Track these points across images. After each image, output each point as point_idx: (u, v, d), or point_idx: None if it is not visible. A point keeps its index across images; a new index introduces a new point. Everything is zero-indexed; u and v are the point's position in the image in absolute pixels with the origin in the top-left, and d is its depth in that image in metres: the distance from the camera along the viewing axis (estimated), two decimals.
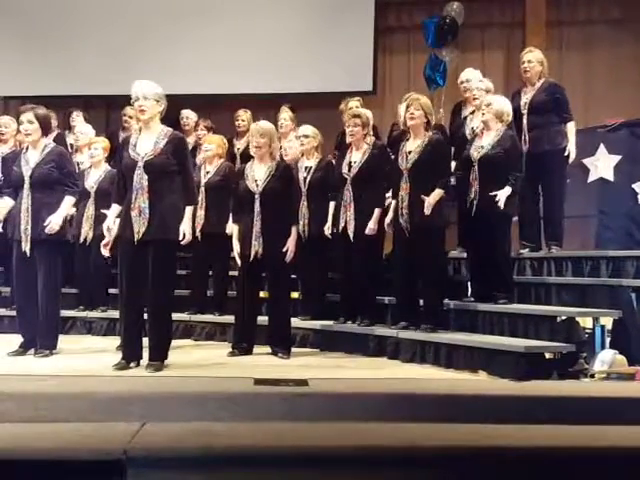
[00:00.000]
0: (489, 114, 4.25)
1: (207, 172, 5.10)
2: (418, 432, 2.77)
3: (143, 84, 3.66)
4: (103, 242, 3.91)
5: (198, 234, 5.00)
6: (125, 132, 5.57)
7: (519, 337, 3.87)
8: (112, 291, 4.93)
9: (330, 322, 4.59)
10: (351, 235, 4.34)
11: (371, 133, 4.59)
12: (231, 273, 5.00)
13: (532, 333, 3.85)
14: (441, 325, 4.11)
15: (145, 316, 3.75)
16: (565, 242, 4.80)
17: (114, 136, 5.68)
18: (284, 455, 2.52)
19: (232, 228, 4.34)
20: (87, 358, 4.13)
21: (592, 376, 3.58)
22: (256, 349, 4.29)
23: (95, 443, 2.52)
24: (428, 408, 3.00)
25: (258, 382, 3.22)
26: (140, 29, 7.27)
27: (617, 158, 5.35)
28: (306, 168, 4.81)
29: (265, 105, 6.39)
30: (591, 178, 5.45)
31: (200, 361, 4.07)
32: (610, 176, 5.38)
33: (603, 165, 5.40)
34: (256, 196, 4.12)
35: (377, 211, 4.30)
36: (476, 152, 4.25)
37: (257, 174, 4.18)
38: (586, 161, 5.43)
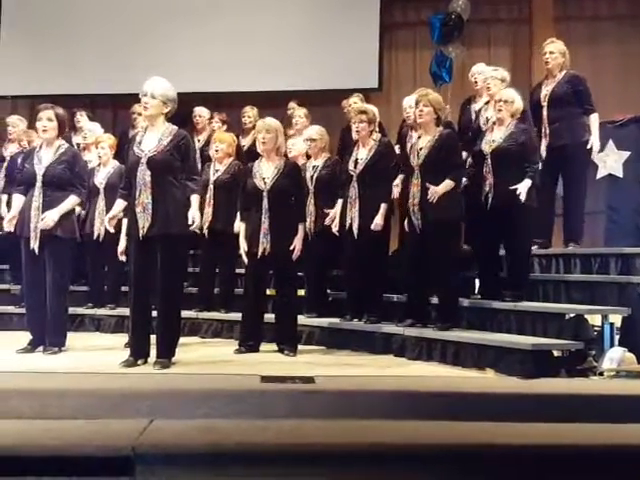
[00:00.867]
0: (507, 112, 4.20)
1: (216, 170, 5.11)
2: (424, 430, 2.76)
3: (155, 82, 3.67)
4: (119, 249, 3.93)
5: (205, 231, 5.03)
6: (134, 129, 5.58)
7: (527, 335, 3.85)
8: (124, 289, 4.96)
9: (336, 320, 4.58)
10: (355, 232, 4.33)
11: (377, 130, 4.58)
12: (238, 271, 5.01)
13: (540, 331, 3.83)
14: (456, 324, 4.08)
15: (154, 313, 3.76)
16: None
17: (125, 135, 5.70)
18: (291, 452, 2.52)
19: (239, 226, 4.34)
20: (95, 355, 4.14)
21: (601, 374, 3.56)
22: (263, 346, 4.29)
23: (103, 440, 2.54)
24: (435, 406, 2.99)
25: (265, 379, 3.22)
26: (146, 27, 7.29)
27: (626, 154, 5.32)
28: (313, 167, 4.82)
29: (270, 103, 6.39)
30: (600, 174, 5.41)
31: (207, 358, 4.08)
32: (619, 172, 5.34)
33: (612, 161, 5.36)
34: (264, 194, 4.12)
35: (383, 206, 4.29)
36: (488, 146, 4.21)
37: (265, 172, 4.18)
38: (594, 157, 5.40)
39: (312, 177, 4.77)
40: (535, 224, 4.67)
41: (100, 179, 5.23)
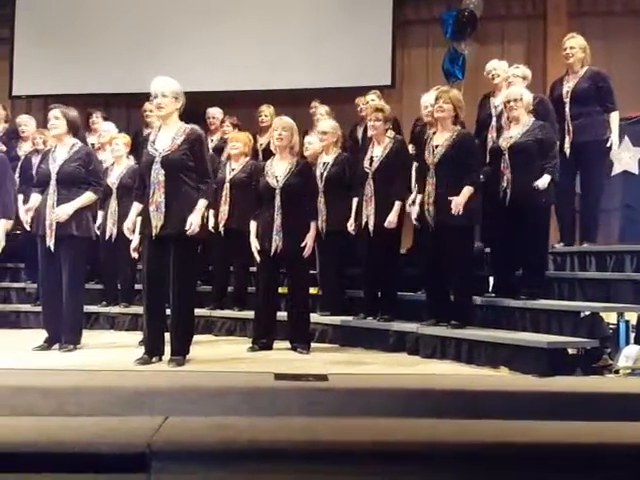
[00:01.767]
0: (521, 109, 4.17)
1: (232, 169, 5.14)
2: (438, 428, 2.76)
3: (161, 81, 3.69)
4: (132, 247, 3.97)
5: (221, 229, 5.06)
6: (148, 128, 5.62)
7: (542, 333, 3.83)
8: (138, 287, 5.00)
9: (349, 317, 4.58)
10: (371, 230, 4.33)
11: (391, 128, 4.56)
12: (251, 269, 5.02)
13: (555, 329, 3.81)
14: (470, 322, 4.06)
15: (167, 312, 3.78)
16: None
17: (138, 134, 5.73)
18: (304, 450, 2.53)
19: (252, 241, 4.29)
20: (110, 353, 4.17)
21: (616, 372, 3.53)
22: (276, 344, 4.30)
23: (119, 437, 2.56)
24: (448, 404, 2.98)
25: (278, 377, 3.23)
26: (159, 27, 7.30)
27: None
28: (323, 164, 4.82)
29: (284, 101, 6.40)
30: (615, 171, 5.36)
31: (221, 356, 4.09)
32: (634, 169, 5.29)
33: (627, 158, 5.31)
34: (276, 191, 4.13)
35: (397, 204, 4.28)
36: (505, 142, 4.19)
37: (277, 170, 4.20)
38: (611, 154, 5.34)
39: (322, 175, 4.77)
40: (558, 222, 4.65)
41: (113, 179, 5.26)
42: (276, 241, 4.11)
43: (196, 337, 3.99)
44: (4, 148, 5.79)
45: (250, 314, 4.58)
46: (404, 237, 4.63)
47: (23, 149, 5.93)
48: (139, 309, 4.44)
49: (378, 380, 3.39)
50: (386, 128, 4.44)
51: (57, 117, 4.14)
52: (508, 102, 4.24)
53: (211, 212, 4.98)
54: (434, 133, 4.18)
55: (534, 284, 4.11)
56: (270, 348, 4.24)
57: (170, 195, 3.61)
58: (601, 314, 3.73)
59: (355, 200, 4.49)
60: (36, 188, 4.28)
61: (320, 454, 2.51)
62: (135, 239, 3.97)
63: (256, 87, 6.99)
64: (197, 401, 2.93)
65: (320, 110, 5.57)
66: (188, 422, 2.78)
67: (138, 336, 4.24)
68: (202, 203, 3.67)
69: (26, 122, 6.00)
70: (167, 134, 3.70)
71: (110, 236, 5.21)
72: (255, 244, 4.22)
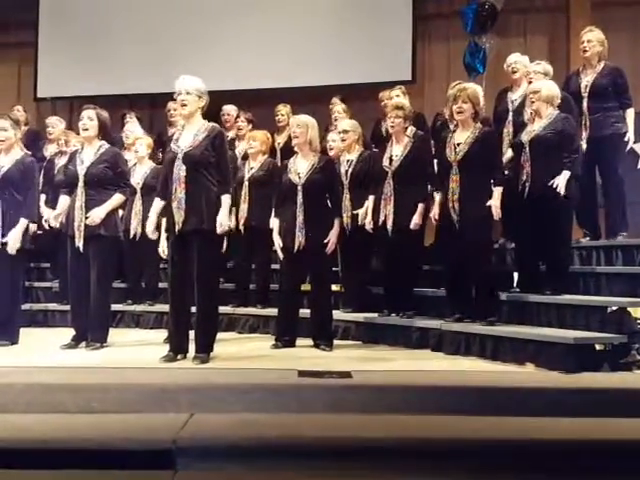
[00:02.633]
0: (539, 102, 4.14)
1: (251, 167, 5.16)
2: (463, 425, 2.74)
3: (186, 79, 3.73)
4: (160, 248, 4.00)
5: (241, 227, 5.08)
6: (172, 128, 5.67)
7: (567, 328, 3.78)
8: (162, 285, 5.05)
9: (373, 314, 4.57)
10: (389, 229, 4.31)
11: (410, 124, 4.54)
12: (273, 266, 5.04)
13: (581, 324, 3.75)
14: (498, 318, 4.02)
15: (192, 309, 3.81)
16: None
17: (162, 134, 5.79)
18: (328, 446, 2.53)
19: (273, 222, 4.36)
20: (136, 351, 4.22)
21: None
22: (299, 341, 4.30)
23: (145, 433, 2.59)
24: (473, 401, 2.96)
25: (302, 374, 3.23)
26: (183, 28, 7.36)
27: None
28: (347, 161, 4.81)
29: (304, 99, 6.40)
30: None
31: (244, 353, 4.11)
32: None
33: None
34: (299, 188, 4.14)
35: (421, 206, 4.26)
36: (527, 136, 4.15)
37: (299, 167, 4.21)
38: (636, 146, 5.25)
39: (347, 172, 4.76)
40: (581, 216, 4.60)
41: (137, 179, 5.30)
42: (299, 238, 4.11)
43: (219, 335, 4.01)
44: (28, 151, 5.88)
45: (272, 311, 4.60)
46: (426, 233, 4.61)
47: (49, 150, 6.02)
48: (164, 307, 4.49)
49: (402, 377, 3.38)
50: (405, 126, 4.42)
51: (91, 118, 4.19)
52: (528, 94, 4.23)
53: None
54: (454, 131, 4.14)
55: (557, 279, 4.06)
56: (293, 345, 4.25)
57: (191, 191, 3.63)
58: (628, 309, 3.67)
59: (371, 198, 4.48)
60: (64, 189, 4.35)
61: (344, 451, 2.51)
62: (162, 240, 4.00)
63: (277, 85, 7.00)
64: (222, 398, 2.95)
65: (337, 108, 5.56)
66: (213, 419, 2.80)
67: (163, 334, 4.28)
68: (227, 199, 3.70)
69: (54, 124, 6.08)
70: (190, 132, 3.73)
71: (135, 235, 5.27)
72: (278, 241, 4.23)
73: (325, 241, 4.13)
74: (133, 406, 2.91)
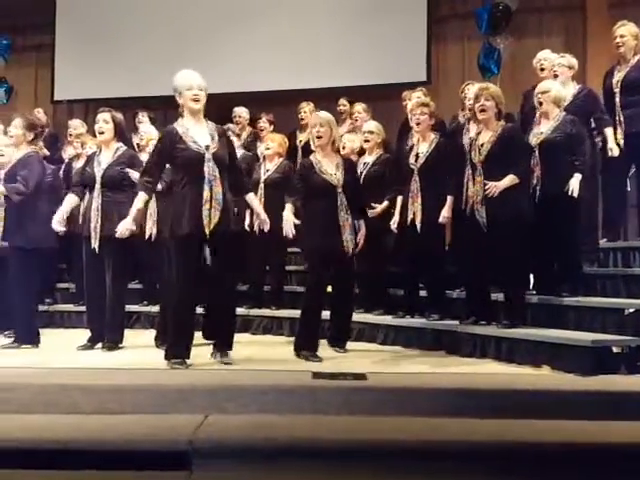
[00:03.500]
0: (548, 103, 4.09)
1: (267, 170, 5.17)
2: (478, 428, 2.72)
3: (197, 75, 3.66)
4: None
5: (256, 229, 5.08)
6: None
7: (584, 331, 3.74)
8: None
9: (388, 316, 4.55)
10: (419, 226, 4.26)
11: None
12: (288, 268, 5.04)
13: (598, 326, 3.72)
14: (523, 321, 3.95)
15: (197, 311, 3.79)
16: (631, 231, 4.59)
17: None
18: (343, 448, 2.53)
19: (287, 217, 4.03)
20: (151, 352, 4.23)
21: None
22: None
23: (161, 434, 2.60)
24: (489, 403, 2.94)
25: (316, 376, 3.23)
26: (197, 30, 7.43)
27: None
28: (364, 164, 4.80)
29: (321, 100, 6.39)
30: None
31: (258, 355, 4.11)
32: None
33: None
34: (338, 190, 3.99)
35: (450, 199, 4.17)
36: (535, 138, 4.11)
37: (329, 168, 4.04)
38: None
39: (361, 174, 4.73)
40: (606, 216, 4.52)
41: None
42: (347, 241, 3.99)
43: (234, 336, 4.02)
44: (47, 153, 5.93)
45: (287, 313, 4.60)
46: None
47: (68, 152, 6.06)
48: None
49: (417, 379, 3.37)
50: (431, 123, 4.38)
51: (107, 121, 4.22)
52: (537, 94, 4.15)
53: (247, 212, 5.02)
54: (478, 133, 4.07)
55: (570, 280, 4.03)
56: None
57: (222, 192, 3.58)
58: None
59: (400, 198, 4.43)
60: (74, 188, 4.35)
61: (359, 452, 2.51)
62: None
63: (291, 86, 7.02)
64: (237, 399, 2.95)
65: (358, 107, 5.55)
66: (228, 420, 2.80)
67: None
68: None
69: (75, 126, 6.08)
70: (201, 130, 3.64)
71: (150, 236, 5.29)
72: (291, 222, 3.97)
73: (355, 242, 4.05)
74: (149, 407, 2.92)
